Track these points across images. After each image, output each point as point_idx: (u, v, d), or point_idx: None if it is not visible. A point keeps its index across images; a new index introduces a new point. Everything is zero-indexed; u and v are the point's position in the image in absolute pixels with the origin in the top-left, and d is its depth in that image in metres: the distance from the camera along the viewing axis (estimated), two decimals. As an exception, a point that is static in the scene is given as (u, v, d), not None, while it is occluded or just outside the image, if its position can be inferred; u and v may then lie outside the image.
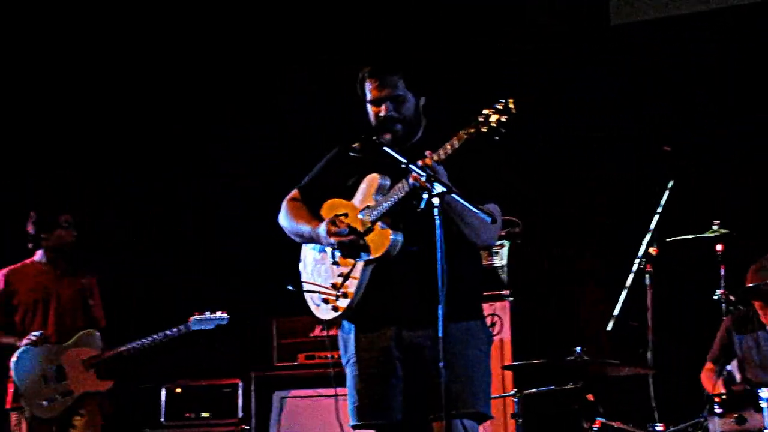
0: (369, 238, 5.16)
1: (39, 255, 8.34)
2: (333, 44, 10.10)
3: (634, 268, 7.42)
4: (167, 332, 8.17)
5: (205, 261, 10.29)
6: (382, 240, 5.11)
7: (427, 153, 4.92)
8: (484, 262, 8.54)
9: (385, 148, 5.10)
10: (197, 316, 8.30)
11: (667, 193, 7.57)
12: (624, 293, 7.34)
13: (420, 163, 4.88)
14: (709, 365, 7.73)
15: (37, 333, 7.97)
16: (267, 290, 7.67)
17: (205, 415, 8.94)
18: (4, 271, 8.27)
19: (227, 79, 10.63)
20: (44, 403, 7.93)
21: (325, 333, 8.71)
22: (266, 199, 6.09)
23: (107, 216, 10.28)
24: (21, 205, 8.71)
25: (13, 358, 7.91)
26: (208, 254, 10.43)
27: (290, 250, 5.61)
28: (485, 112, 4.81)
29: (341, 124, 9.42)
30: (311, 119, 10.27)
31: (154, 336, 8.14)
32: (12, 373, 7.91)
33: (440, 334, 4.69)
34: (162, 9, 10.44)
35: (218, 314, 8.36)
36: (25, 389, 7.91)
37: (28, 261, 8.35)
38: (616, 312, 7.30)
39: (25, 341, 7.95)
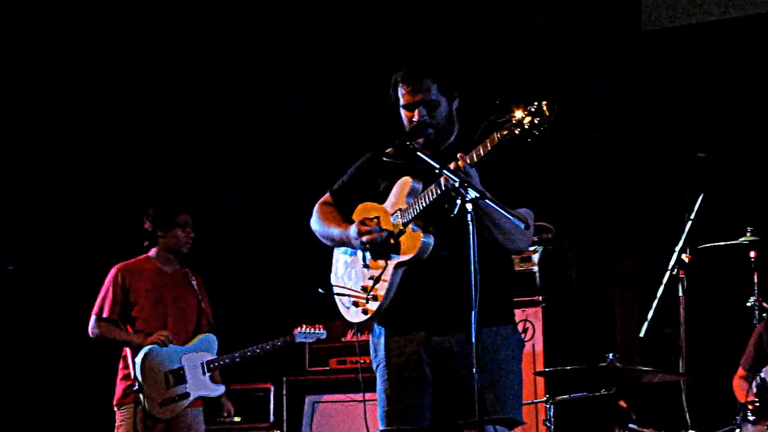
0: (400, 240, 5.14)
1: (153, 253, 8.25)
2: (332, 44, 10.13)
3: (667, 274, 7.37)
4: (275, 342, 8.24)
5: (241, 266, 10.32)
6: (414, 242, 5.08)
7: (459, 156, 4.87)
8: (517, 268, 8.51)
9: (419, 153, 5.06)
10: (301, 330, 8.47)
11: (700, 199, 7.52)
12: (657, 299, 7.29)
13: (452, 166, 4.84)
14: (741, 371, 7.69)
15: (165, 333, 7.90)
16: (299, 294, 7.67)
17: (237, 419, 8.93)
18: (118, 267, 8.13)
19: (227, 79, 10.62)
20: (163, 402, 7.85)
21: (356, 338, 8.81)
22: (299, 202, 6.06)
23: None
24: (136, 202, 8.69)
25: (139, 357, 7.80)
26: (246, 259, 10.47)
27: (322, 254, 5.59)
28: (519, 114, 4.74)
29: (341, 124, 9.58)
30: (311, 119, 10.32)
31: (263, 345, 8.19)
32: (135, 370, 7.79)
33: (473, 340, 4.65)
34: (164, 9, 10.43)
35: (318, 329, 8.56)
36: (149, 388, 7.81)
37: (142, 257, 8.25)
38: (648, 318, 7.25)
39: (151, 340, 7.87)
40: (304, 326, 8.48)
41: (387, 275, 5.14)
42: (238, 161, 10.64)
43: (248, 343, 8.19)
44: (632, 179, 9.40)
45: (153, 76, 10.52)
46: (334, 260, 5.50)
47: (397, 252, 5.13)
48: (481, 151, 4.86)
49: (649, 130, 9.32)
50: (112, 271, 8.10)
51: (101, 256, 8.77)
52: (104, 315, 7.98)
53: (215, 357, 8.13)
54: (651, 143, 9.30)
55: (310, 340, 8.59)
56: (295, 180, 5.22)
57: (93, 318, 8.02)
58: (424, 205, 5.05)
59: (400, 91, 5.28)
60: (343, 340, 9.25)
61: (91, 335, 8.03)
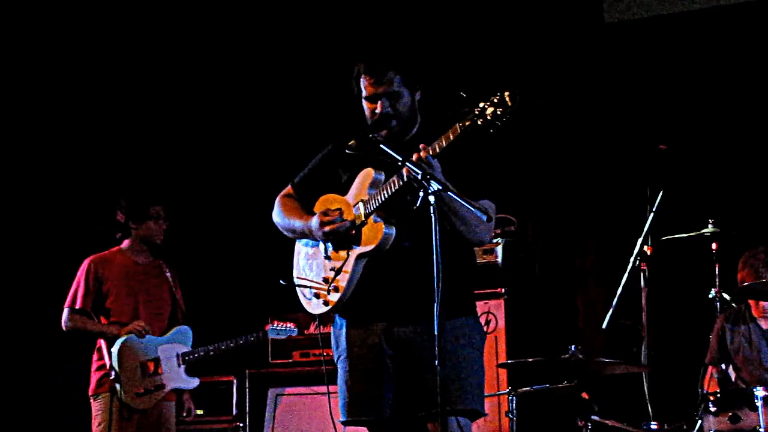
0: (362, 231, 5.13)
1: (126, 244, 8.20)
2: (326, 40, 10.09)
3: (630, 266, 7.40)
4: (248, 337, 8.20)
5: (200, 258, 10.30)
6: (375, 233, 5.07)
7: (421, 146, 4.86)
8: (479, 260, 8.55)
9: (381, 146, 5.04)
10: (274, 326, 8.45)
11: (661, 193, 7.55)
12: (619, 292, 7.32)
13: (415, 157, 4.83)
14: (711, 369, 7.68)
15: (142, 324, 7.87)
16: (261, 287, 7.65)
17: (199, 412, 8.88)
18: (91, 258, 8.08)
19: (196, 67, 10.64)
20: (139, 393, 7.81)
21: (319, 330, 8.79)
22: (260, 194, 6.05)
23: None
24: (108, 194, 8.65)
25: (116, 347, 7.76)
26: (202, 251, 10.44)
27: (283, 246, 5.57)
28: (481, 105, 4.72)
29: (306, 115, 9.57)
30: (277, 110, 10.38)
31: (236, 339, 8.16)
32: (112, 360, 7.75)
33: (435, 332, 4.62)
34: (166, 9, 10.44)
35: (289, 326, 8.52)
36: (125, 378, 7.76)
37: (114, 249, 8.20)
38: (611, 310, 7.27)
39: (128, 330, 7.83)
40: (276, 322, 8.46)
41: (348, 266, 5.13)
42: (209, 152, 10.69)
43: (216, 337, 8.16)
44: (594, 171, 9.42)
45: (124, 65, 10.52)
46: (295, 252, 5.48)
47: (359, 243, 5.12)
48: (443, 142, 4.84)
49: (611, 123, 9.33)
50: (85, 263, 8.06)
51: (72, 248, 8.74)
52: (77, 306, 7.94)
53: (190, 349, 8.10)
54: (613, 135, 9.30)
55: (282, 337, 8.57)
56: (265, 171, 5.22)
57: (66, 310, 7.98)
58: (386, 196, 5.04)
59: (363, 82, 5.25)
60: (306, 332, 9.21)
61: (64, 328, 7.99)
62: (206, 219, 10.61)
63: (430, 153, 4.84)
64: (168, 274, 8.22)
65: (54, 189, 10.36)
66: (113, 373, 7.74)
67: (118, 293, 8.01)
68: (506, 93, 4.69)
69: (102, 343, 7.89)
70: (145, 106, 10.60)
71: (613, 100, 9.42)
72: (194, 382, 8.13)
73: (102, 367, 7.86)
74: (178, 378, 8.03)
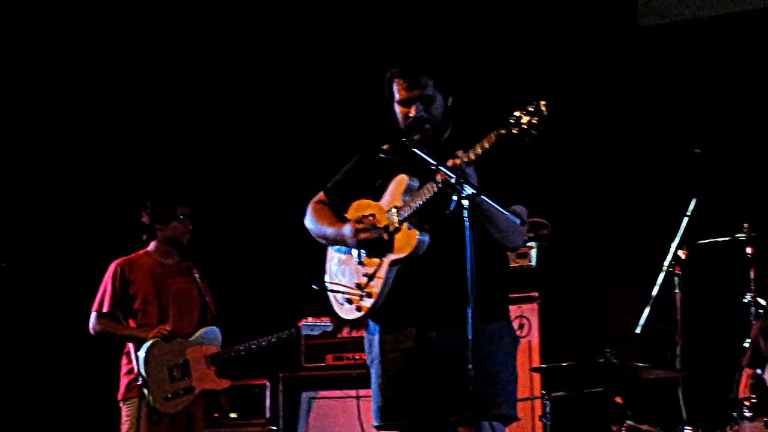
0: (395, 238, 5.14)
1: (152, 246, 8.20)
2: (354, 44, 10.12)
3: (664, 270, 7.38)
4: (280, 335, 8.16)
5: (232, 260, 10.34)
6: (409, 240, 5.08)
7: (459, 153, 4.89)
8: (513, 264, 8.53)
9: (415, 150, 5.08)
10: (307, 322, 8.35)
11: (695, 197, 7.54)
12: (654, 296, 7.31)
13: (450, 163, 4.86)
14: (747, 371, 7.64)
15: (168, 327, 7.84)
16: (293, 290, 7.69)
17: (232, 415, 8.92)
18: (118, 261, 8.07)
19: (224, 70, 10.63)
20: (168, 397, 7.80)
21: (351, 334, 8.79)
22: (293, 197, 6.08)
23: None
24: (133, 195, 8.63)
25: (142, 351, 7.75)
26: (235, 253, 10.48)
27: (316, 251, 5.60)
28: (516, 113, 4.75)
29: (341, 120, 9.59)
30: (311, 114, 10.37)
31: (269, 338, 8.12)
32: (139, 365, 7.75)
33: (470, 337, 4.67)
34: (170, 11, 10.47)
35: (323, 320, 8.40)
36: (153, 383, 7.76)
37: (141, 252, 8.19)
38: (645, 315, 7.26)
39: (153, 334, 7.82)
40: (310, 318, 8.36)
41: (381, 272, 5.15)
42: (239, 151, 10.68)
43: (250, 337, 8.14)
44: (630, 176, 9.39)
45: (147, 68, 10.52)
46: (328, 258, 5.50)
47: (392, 250, 5.14)
48: (479, 150, 4.86)
49: (647, 127, 9.31)
50: (112, 266, 8.06)
51: (99, 252, 8.70)
52: (104, 310, 7.94)
53: (220, 350, 8.08)
54: (648, 139, 9.28)
55: (317, 333, 8.46)
56: (297, 172, 5.26)
57: (93, 314, 7.97)
58: (420, 202, 5.06)
59: (395, 86, 5.28)
60: (339, 336, 9.21)
61: (92, 332, 7.98)
62: (239, 221, 10.62)
63: (466, 160, 4.86)
64: (196, 275, 8.21)
65: (55, 189, 10.35)
66: (140, 378, 7.75)
67: (145, 296, 8.00)
68: (542, 102, 4.72)
69: (131, 347, 7.89)
70: (171, 106, 10.60)
71: (648, 104, 9.40)
72: (225, 384, 8.11)
73: (131, 371, 7.85)
74: (208, 380, 8.00)
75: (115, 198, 9.94)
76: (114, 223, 9.21)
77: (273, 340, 8.14)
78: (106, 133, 10.47)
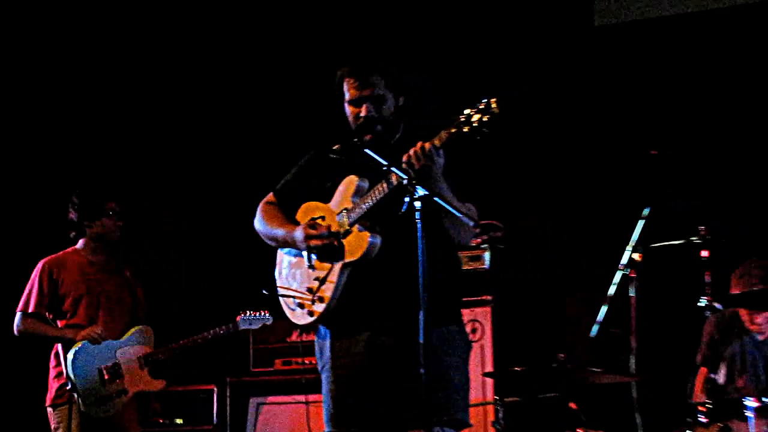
0: (346, 241, 5.13)
1: (81, 244, 8.01)
2: (312, 44, 10.07)
3: (619, 274, 7.37)
4: (217, 330, 7.98)
5: (180, 258, 10.31)
6: (360, 243, 5.07)
7: (418, 144, 4.87)
8: (466, 267, 8.56)
9: (367, 150, 5.06)
10: (245, 316, 8.16)
11: (651, 200, 7.54)
12: (608, 300, 7.29)
13: (405, 158, 4.85)
14: (703, 370, 7.64)
15: (97, 329, 7.69)
16: (244, 295, 7.63)
17: (179, 421, 8.85)
18: (45, 260, 7.89)
19: (155, 62, 10.51)
20: (99, 402, 7.66)
21: (301, 338, 8.72)
22: (244, 200, 6.03)
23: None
24: (62, 191, 8.31)
25: (70, 355, 7.60)
26: (187, 256, 10.42)
27: (266, 254, 5.57)
28: (467, 111, 4.74)
29: (317, 124, 9.58)
30: (253, 111, 10.37)
31: (203, 334, 7.95)
32: (67, 369, 7.60)
33: (421, 340, 4.64)
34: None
35: (263, 314, 8.20)
36: (83, 387, 7.62)
37: (69, 250, 8.01)
38: (599, 318, 7.25)
39: (82, 336, 7.67)
40: (248, 312, 8.20)
41: (333, 277, 5.14)
42: (174, 142, 10.58)
43: (187, 336, 8.01)
44: (584, 177, 9.40)
45: (80, 57, 10.33)
46: (278, 260, 5.48)
47: (344, 253, 5.12)
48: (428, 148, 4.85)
49: (603, 127, 9.32)
50: (39, 265, 7.88)
51: (25, 251, 8.52)
52: (30, 310, 7.76)
53: (153, 350, 7.94)
54: (604, 140, 9.29)
55: (256, 327, 8.25)
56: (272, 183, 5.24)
57: (18, 315, 7.80)
58: (370, 203, 5.07)
59: (346, 85, 5.28)
60: (287, 340, 9.16)
61: (16, 332, 7.80)
62: (180, 220, 10.59)
63: (414, 160, 4.84)
64: (127, 274, 8.05)
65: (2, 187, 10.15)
66: (69, 383, 7.59)
67: (75, 295, 7.83)
68: (493, 100, 4.71)
69: (59, 347, 7.72)
70: (104, 96, 10.43)
71: (605, 104, 9.41)
72: (159, 385, 7.96)
73: (60, 374, 7.69)
74: (141, 382, 7.86)
75: (45, 192, 9.78)
76: (41, 219, 8.99)
77: (209, 336, 7.95)
78: (36, 126, 10.29)
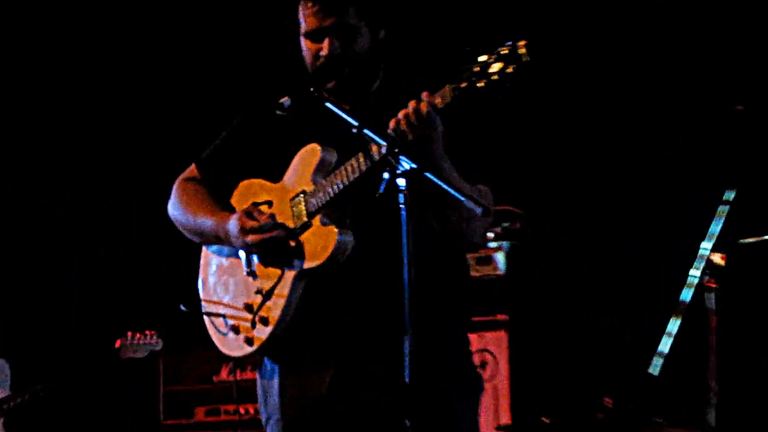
0: (304, 238, 5.11)
1: None
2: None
3: (691, 283, 7.36)
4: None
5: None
6: (325, 241, 5.05)
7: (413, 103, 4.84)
8: (473, 273, 8.57)
9: (328, 104, 5.02)
10: (125, 341, 8.41)
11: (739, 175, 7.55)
12: (675, 320, 7.29)
13: (400, 114, 4.84)
14: None
15: None
16: (151, 313, 7.66)
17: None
18: None
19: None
20: None
21: (233, 377, 8.77)
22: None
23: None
24: None
25: None
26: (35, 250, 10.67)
27: (186, 253, 5.58)
28: (482, 59, 4.71)
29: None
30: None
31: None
32: None
33: (407, 379, 4.61)
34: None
35: (149, 336, 8.45)
36: None
37: None
38: (663, 348, 7.24)
39: None
40: (131, 334, 8.38)
41: (284, 289, 5.13)
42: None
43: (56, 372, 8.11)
44: (637, 147, 9.46)
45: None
46: (202, 262, 5.49)
47: (300, 256, 5.11)
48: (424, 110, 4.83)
49: (668, 77, 9.37)
50: None
51: None
52: None
53: (9, 393, 8.13)
54: (669, 95, 9.35)
55: (142, 355, 8.47)
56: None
57: None
58: (340, 185, 5.04)
59: (302, 12, 5.26)
60: (215, 379, 9.17)
61: None
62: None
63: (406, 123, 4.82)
64: None
65: None
66: None
67: None
68: (521, 43, 4.67)
69: None
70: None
71: (669, 49, 9.47)
72: None
73: None
74: None
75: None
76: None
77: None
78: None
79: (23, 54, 10.92)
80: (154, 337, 8.44)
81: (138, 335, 8.39)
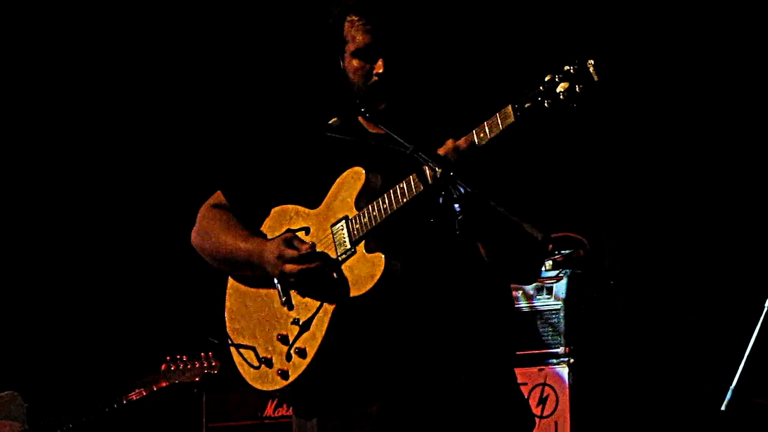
0: (346, 267, 5.03)
1: None
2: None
3: (765, 312, 7.23)
4: (133, 387, 8.26)
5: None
6: (371, 269, 4.96)
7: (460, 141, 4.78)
8: (525, 303, 8.63)
9: (382, 126, 5.02)
10: (172, 367, 8.47)
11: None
12: (748, 352, 7.15)
13: (441, 151, 4.78)
14: None
15: None
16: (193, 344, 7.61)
17: None
18: None
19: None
20: None
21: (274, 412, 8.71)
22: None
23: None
24: None
25: None
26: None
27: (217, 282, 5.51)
28: (548, 78, 4.64)
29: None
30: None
31: (111, 398, 8.18)
32: None
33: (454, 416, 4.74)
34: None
35: (204, 359, 8.46)
36: None
37: None
38: (734, 382, 7.11)
39: None
40: (179, 358, 8.41)
41: (324, 319, 5.05)
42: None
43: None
44: (707, 169, 9.34)
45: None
46: (228, 292, 5.41)
47: (343, 285, 5.03)
48: (489, 132, 4.76)
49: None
50: None
51: None
52: None
53: (26, 428, 8.06)
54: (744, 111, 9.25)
55: (192, 379, 8.47)
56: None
57: None
58: (390, 211, 4.96)
59: (350, 28, 5.18)
60: (259, 415, 9.13)
61: None
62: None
63: (464, 148, 4.76)
64: None
65: None
66: None
67: None
68: (590, 62, 4.61)
69: None
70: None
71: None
72: None
73: None
74: None
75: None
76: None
77: (116, 402, 8.21)
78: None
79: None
80: (212, 360, 8.41)
81: (184, 357, 8.38)
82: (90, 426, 8.01)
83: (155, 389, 8.18)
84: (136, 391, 8.10)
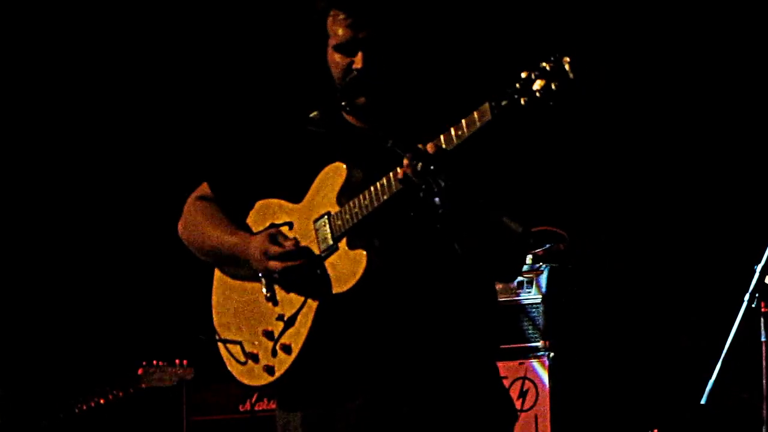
0: (330, 263, 5.05)
1: None
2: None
3: (743, 308, 7.26)
4: (109, 391, 8.34)
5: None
6: (353, 265, 4.99)
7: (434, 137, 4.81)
8: (504, 297, 8.59)
9: (361, 119, 5.13)
10: (150, 370, 8.56)
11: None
12: (726, 346, 7.19)
13: (427, 147, 4.79)
14: None
15: None
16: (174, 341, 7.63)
17: None
18: None
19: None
20: None
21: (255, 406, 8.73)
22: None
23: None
24: None
25: None
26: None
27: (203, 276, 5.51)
28: (524, 75, 4.65)
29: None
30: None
31: (88, 398, 8.32)
32: None
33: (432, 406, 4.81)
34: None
35: (179, 366, 8.61)
36: None
37: None
38: (713, 376, 7.14)
39: None
40: (155, 363, 8.42)
41: (308, 315, 5.08)
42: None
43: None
44: (688, 166, 9.39)
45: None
46: (214, 286, 5.43)
47: (326, 281, 5.06)
48: (465, 130, 4.77)
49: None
50: None
51: None
52: None
53: None
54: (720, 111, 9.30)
55: (167, 383, 8.53)
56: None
57: None
58: (371, 208, 4.97)
59: (333, 22, 5.20)
60: (240, 408, 9.13)
61: None
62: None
63: (443, 145, 4.78)
64: None
65: None
66: None
67: None
68: (566, 59, 4.61)
69: None
70: None
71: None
72: None
73: None
74: None
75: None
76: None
77: (93, 401, 8.32)
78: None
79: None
80: (184, 366, 8.40)
81: (161, 363, 8.38)
82: (68, 422, 8.02)
83: (131, 392, 8.19)
84: (114, 392, 8.11)
